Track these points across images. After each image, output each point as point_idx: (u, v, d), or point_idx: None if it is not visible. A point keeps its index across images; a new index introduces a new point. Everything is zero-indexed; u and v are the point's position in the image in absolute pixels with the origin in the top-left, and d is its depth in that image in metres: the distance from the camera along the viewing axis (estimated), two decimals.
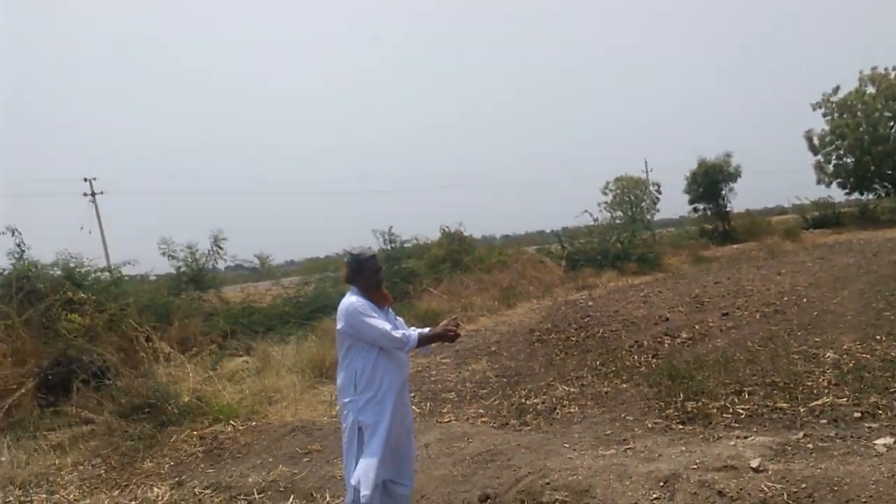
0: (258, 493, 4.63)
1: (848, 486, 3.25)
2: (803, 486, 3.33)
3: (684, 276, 17.41)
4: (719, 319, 9.28)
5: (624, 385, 6.46)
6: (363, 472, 3.24)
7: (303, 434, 5.74)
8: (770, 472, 3.52)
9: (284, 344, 9.97)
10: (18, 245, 9.67)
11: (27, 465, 5.70)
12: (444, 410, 6.43)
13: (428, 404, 6.70)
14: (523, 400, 6.42)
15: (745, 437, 4.20)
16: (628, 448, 4.28)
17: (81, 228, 26.97)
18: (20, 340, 7.88)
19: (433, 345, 3.71)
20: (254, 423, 6.31)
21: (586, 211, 28.32)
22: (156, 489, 5.00)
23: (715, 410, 5.14)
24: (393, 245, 18.30)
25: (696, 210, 33.44)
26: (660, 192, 51.29)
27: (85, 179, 36.79)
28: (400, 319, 3.66)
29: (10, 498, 4.99)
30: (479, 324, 12.89)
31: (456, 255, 20.10)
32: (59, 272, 9.66)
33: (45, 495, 5.01)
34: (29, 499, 4.95)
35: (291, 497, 4.48)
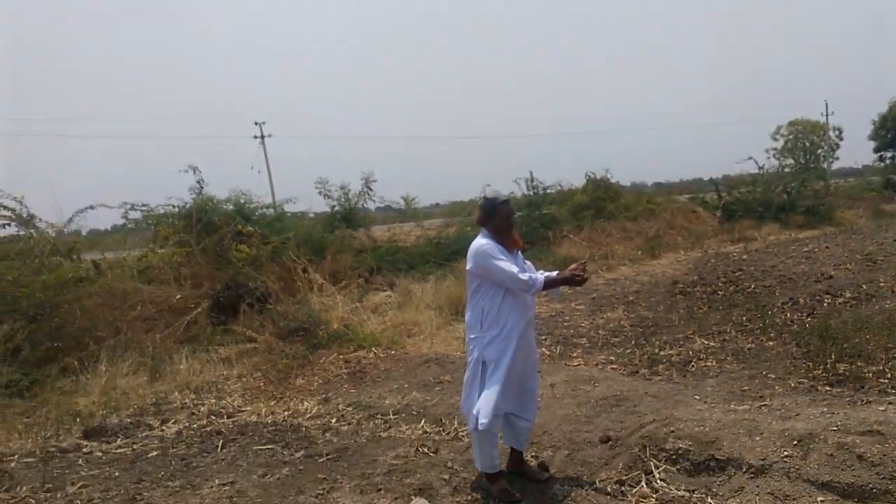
0: (393, 414, 5.02)
1: None
2: None
3: (858, 231, 15.62)
4: (892, 279, 8.30)
5: (770, 342, 6.06)
6: (484, 401, 3.39)
7: (436, 365, 6.06)
8: None
9: (424, 282, 10.41)
10: (198, 182, 10.84)
11: (200, 374, 6.57)
12: (574, 355, 6.45)
13: (558, 348, 6.74)
14: (657, 350, 6.26)
15: None
16: (763, 405, 4.07)
17: (252, 168, 29.55)
18: (198, 266, 8.95)
19: (563, 289, 3.77)
20: (393, 352, 6.75)
21: (750, 157, 26.01)
22: (306, 403, 5.58)
23: (870, 374, 4.70)
24: (535, 191, 18.13)
25: (881, 159, 29.64)
26: (840, 139, 45.67)
27: (255, 123, 40.03)
28: (528, 263, 3.71)
29: (186, 400, 5.81)
30: (618, 273, 12.56)
31: (600, 202, 19.55)
32: (231, 207, 10.73)
33: (213, 399, 5.78)
34: (201, 401, 5.74)
35: (423, 420, 4.80)
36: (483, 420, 3.33)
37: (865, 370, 4.80)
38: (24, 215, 8.72)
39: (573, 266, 3.56)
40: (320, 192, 13.26)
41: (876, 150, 29.61)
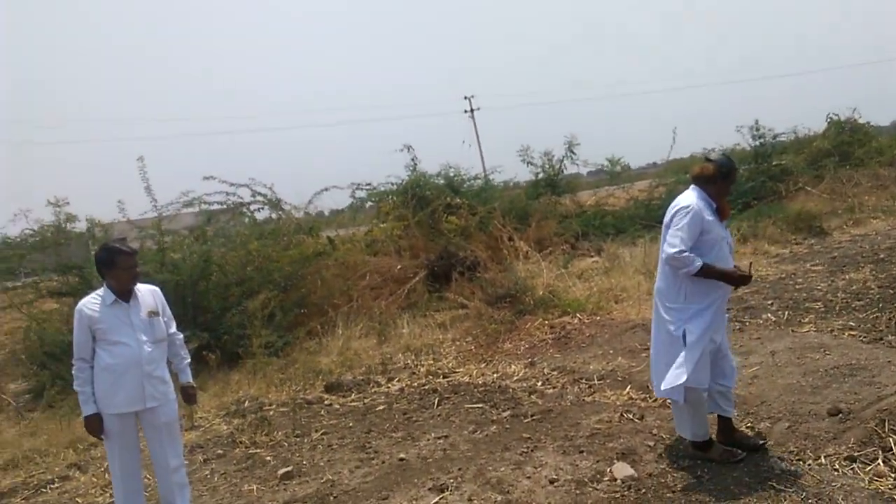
0: (598, 380, 5.01)
1: None
2: None
3: None
4: None
5: None
6: (692, 372, 3.21)
7: (643, 331, 5.87)
8: None
9: (633, 246, 10.07)
10: (412, 159, 11.65)
11: (420, 337, 7.14)
12: (805, 320, 5.78)
13: (786, 313, 6.10)
14: None
15: None
16: None
17: (463, 142, 30.62)
18: (414, 238, 9.67)
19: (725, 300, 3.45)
20: (598, 318, 6.69)
21: None
22: (513, 366, 5.80)
23: None
24: (762, 140, 16.29)
25: None
26: None
27: (465, 97, 41.41)
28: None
29: (408, 361, 6.38)
30: (868, 227, 10.93)
31: (845, 146, 16.96)
32: (441, 181, 11.37)
33: (430, 361, 6.27)
34: (420, 363, 6.26)
35: (628, 386, 4.72)
36: (690, 384, 3.21)
37: None
38: (273, 199, 10.13)
39: (743, 265, 3.39)
40: (523, 160, 13.42)
41: None
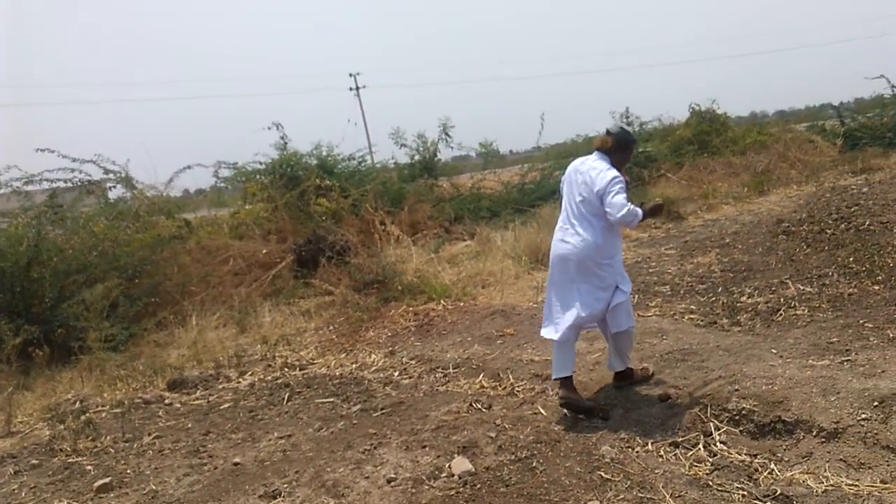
0: (453, 368, 4.96)
1: None
2: None
3: None
4: None
5: (875, 287, 5.40)
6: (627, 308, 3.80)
7: (501, 317, 5.93)
8: None
9: (505, 230, 10.20)
10: (282, 138, 11.13)
11: (282, 326, 6.84)
12: (652, 304, 6.08)
13: (636, 296, 6.35)
14: (744, 298, 5.76)
15: None
16: (847, 360, 3.61)
17: (349, 121, 29.91)
18: (282, 221, 9.25)
19: (655, 231, 4.02)
20: (462, 304, 6.67)
21: (882, 76, 23.12)
22: (373, 355, 5.66)
23: None
24: (631, 127, 17.09)
25: None
26: None
27: (350, 75, 40.48)
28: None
29: (265, 352, 6.07)
30: (719, 213, 11.71)
31: (704, 135, 18.18)
32: (313, 161, 10.95)
33: (289, 352, 6.00)
34: (278, 354, 5.97)
35: (481, 375, 4.71)
36: (629, 327, 3.80)
37: None
38: (124, 177, 9.31)
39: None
40: (396, 143, 13.17)
41: None
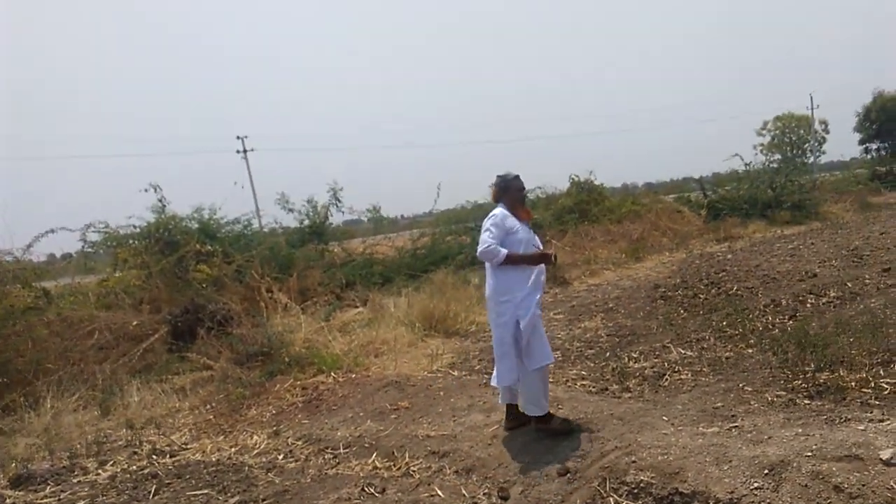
0: (343, 448, 4.63)
1: None
2: None
3: (845, 225, 15.37)
4: (878, 276, 7.99)
5: (749, 350, 5.72)
6: (538, 346, 4.02)
7: (395, 389, 5.69)
8: None
9: (398, 296, 10.04)
10: (160, 200, 10.45)
11: (152, 407, 6.18)
12: None
13: None
14: (631, 363, 5.91)
15: (881, 421, 3.47)
16: (734, 426, 3.71)
17: (235, 184, 28.99)
18: (157, 289, 8.56)
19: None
20: (353, 376, 6.36)
21: (736, 154, 25.89)
22: (255, 436, 5.20)
23: (852, 384, 4.36)
24: None
25: (867, 151, 29.47)
26: (827, 132, 45.61)
27: (237, 137, 39.58)
28: (536, 237, 4.22)
29: (130, 437, 5.41)
30: (601, 278, 12.24)
31: (584, 204, 19.24)
32: (194, 224, 10.34)
33: (159, 436, 5.39)
34: (146, 439, 5.35)
35: (374, 454, 4.42)
36: (547, 361, 4.03)
37: (847, 378, 4.46)
38: None
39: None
40: (282, 208, 12.82)
41: (861, 142, 29.41)
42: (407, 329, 8.38)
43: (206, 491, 4.20)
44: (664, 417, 4.14)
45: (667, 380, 5.27)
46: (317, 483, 4.13)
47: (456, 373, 6.47)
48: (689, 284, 9.64)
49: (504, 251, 3.91)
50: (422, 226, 17.00)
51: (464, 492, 3.60)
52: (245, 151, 39.41)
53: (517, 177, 4.25)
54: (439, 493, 3.67)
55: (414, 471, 4.05)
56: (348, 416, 5.28)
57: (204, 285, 8.66)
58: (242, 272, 9.22)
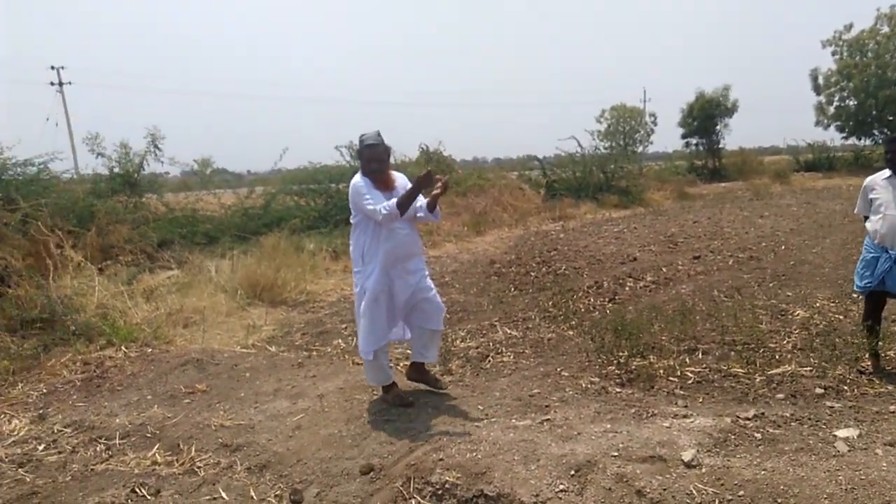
0: (120, 438, 3.97)
1: (795, 500, 2.61)
2: (741, 492, 2.69)
3: (664, 212, 16.69)
4: (689, 263, 8.61)
5: (570, 332, 5.81)
6: (361, 333, 3.96)
7: (194, 369, 5.05)
8: (704, 470, 2.88)
9: (222, 259, 9.19)
10: None
11: None
12: None
13: (353, 340, 6.01)
14: (458, 342, 5.76)
15: (685, 417, 3.54)
16: (546, 419, 3.62)
17: (48, 120, 25.34)
18: None
19: (437, 206, 4.04)
20: (150, 350, 5.61)
21: (572, 136, 27.14)
22: (14, 421, 4.34)
23: (661, 371, 4.51)
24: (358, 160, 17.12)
25: (688, 145, 32.34)
26: (655, 124, 49.69)
27: (52, 67, 34.77)
28: (422, 203, 3.99)
29: None
30: (442, 250, 12.17)
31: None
32: None
33: None
34: None
35: (156, 447, 3.81)
36: (364, 355, 3.95)
37: (657, 366, 4.61)
38: None
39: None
40: (91, 151, 11.16)
41: (683, 137, 32.19)
42: (227, 297, 7.65)
43: None
44: (479, 406, 3.98)
45: (489, 362, 5.16)
46: (77, 482, 3.46)
47: (273, 348, 5.96)
48: (522, 262, 9.82)
49: (392, 202, 3.74)
50: (269, 184, 15.91)
51: (252, 494, 3.16)
52: (61, 84, 34.71)
53: (370, 145, 3.88)
54: (223, 495, 3.20)
55: (199, 467, 3.53)
56: (133, 400, 4.58)
57: None
58: (28, 223, 7.84)
